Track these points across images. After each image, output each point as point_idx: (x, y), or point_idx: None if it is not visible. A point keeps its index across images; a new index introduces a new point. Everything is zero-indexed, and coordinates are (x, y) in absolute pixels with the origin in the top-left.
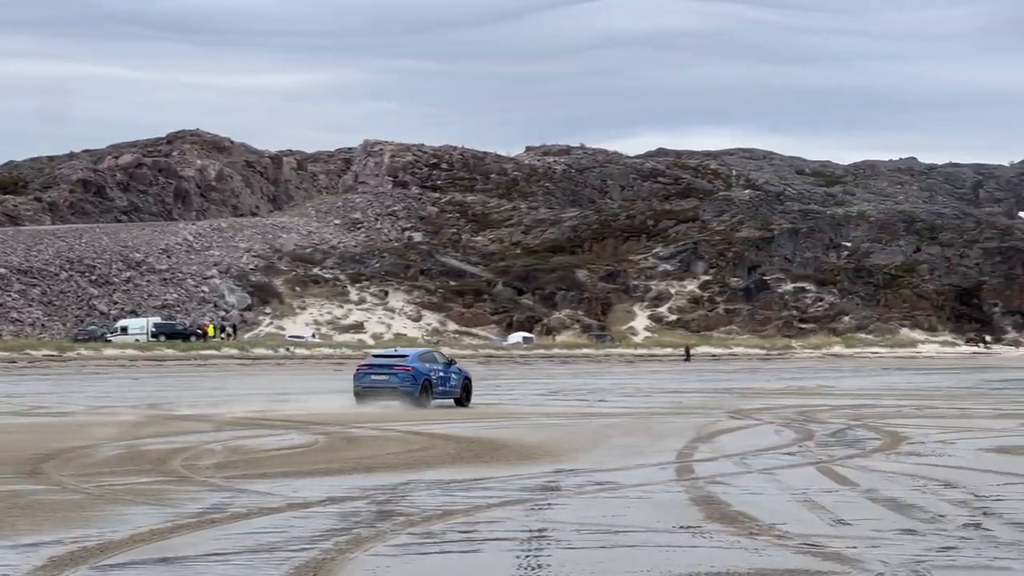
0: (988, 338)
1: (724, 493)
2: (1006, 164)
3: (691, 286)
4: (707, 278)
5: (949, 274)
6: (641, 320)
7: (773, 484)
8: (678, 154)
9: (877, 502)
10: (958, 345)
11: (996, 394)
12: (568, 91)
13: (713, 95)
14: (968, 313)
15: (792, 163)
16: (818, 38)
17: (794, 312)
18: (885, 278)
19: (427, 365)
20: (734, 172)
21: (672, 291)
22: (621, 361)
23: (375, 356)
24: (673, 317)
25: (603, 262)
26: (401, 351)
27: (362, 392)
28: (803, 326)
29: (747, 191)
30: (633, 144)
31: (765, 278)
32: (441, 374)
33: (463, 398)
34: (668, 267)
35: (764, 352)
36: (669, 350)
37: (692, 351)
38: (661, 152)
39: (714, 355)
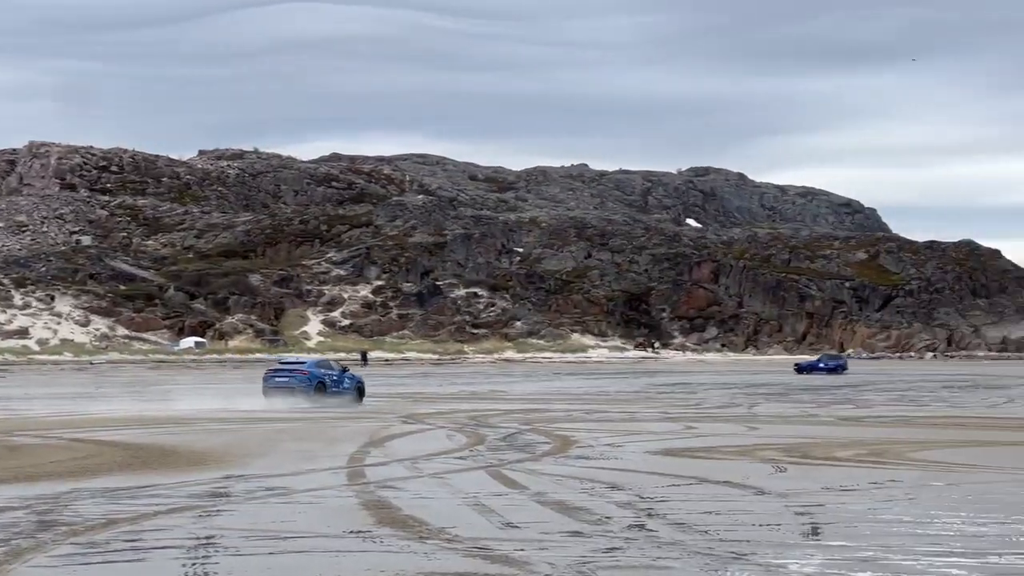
0: (656, 343)
1: (395, 497)
2: (674, 172)
3: (364, 291)
4: (380, 283)
5: (619, 280)
6: (315, 325)
7: (444, 488)
8: (352, 159)
9: (546, 505)
10: (627, 350)
11: (662, 398)
12: (243, 95)
13: (388, 100)
14: (637, 318)
15: (465, 169)
16: (492, 45)
17: (467, 317)
18: (557, 284)
19: (321, 371)
20: (408, 177)
21: (345, 296)
22: None
23: (280, 363)
24: (347, 322)
25: (276, 267)
26: (301, 358)
27: (268, 390)
28: (476, 331)
29: (420, 196)
30: (307, 149)
31: (438, 283)
32: (335, 378)
33: (357, 397)
34: (341, 272)
35: (437, 357)
36: (343, 355)
37: (367, 356)
38: (335, 157)
39: (388, 360)
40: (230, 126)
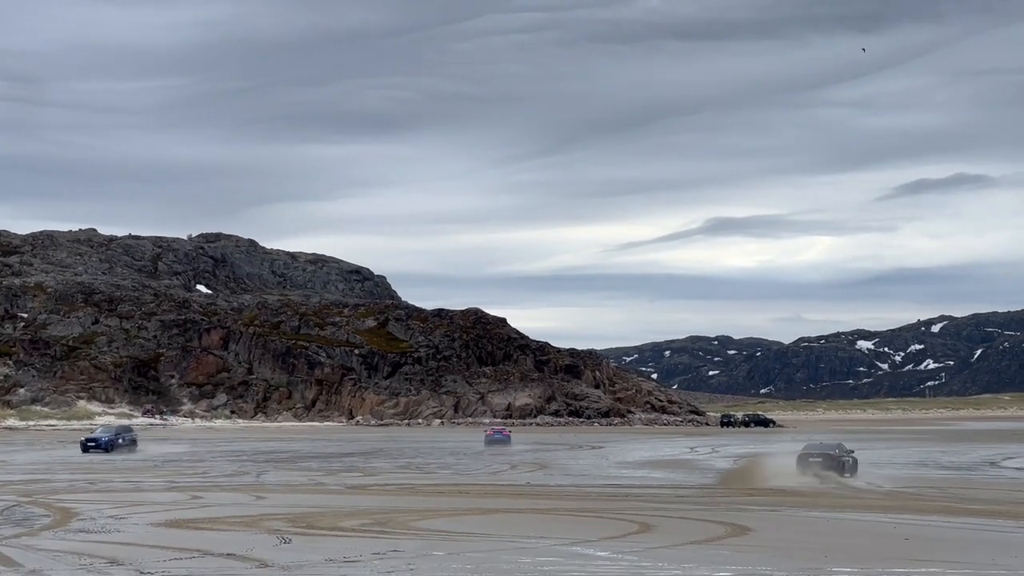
0: (164, 409)
1: None
2: (185, 238)
3: None
4: None
5: (127, 346)
6: None
7: None
8: None
9: None
10: (135, 416)
11: (169, 466)
12: None
13: None
14: (145, 385)
15: None
16: None
17: None
18: (62, 350)
19: (503, 434)
20: None
21: None
22: None
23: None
24: None
25: None
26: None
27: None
28: None
29: None
30: None
31: None
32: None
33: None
34: None
35: None
36: None
37: None
38: None
39: None
40: None
